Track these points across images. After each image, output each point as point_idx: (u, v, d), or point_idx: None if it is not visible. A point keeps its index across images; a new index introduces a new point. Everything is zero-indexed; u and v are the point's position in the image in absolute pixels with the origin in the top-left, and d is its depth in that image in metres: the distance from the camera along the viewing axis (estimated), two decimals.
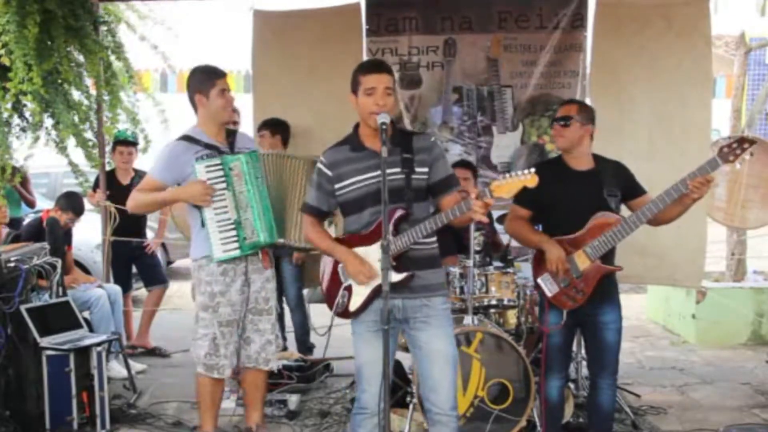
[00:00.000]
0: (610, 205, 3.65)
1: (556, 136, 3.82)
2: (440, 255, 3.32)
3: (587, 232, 3.64)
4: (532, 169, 2.98)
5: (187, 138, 3.99)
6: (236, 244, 3.93)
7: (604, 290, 3.71)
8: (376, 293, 3.16)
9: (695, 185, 3.37)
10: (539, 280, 3.79)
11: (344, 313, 3.27)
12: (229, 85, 4.07)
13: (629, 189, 3.75)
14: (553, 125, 3.84)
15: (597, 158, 3.84)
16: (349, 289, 3.25)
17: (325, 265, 3.39)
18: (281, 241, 4.04)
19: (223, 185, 3.91)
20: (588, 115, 3.80)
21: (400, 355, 4.32)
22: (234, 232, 3.93)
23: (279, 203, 4.05)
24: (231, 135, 4.09)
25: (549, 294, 3.75)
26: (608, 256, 3.68)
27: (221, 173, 3.91)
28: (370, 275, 3.15)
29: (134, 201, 4.02)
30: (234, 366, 4.09)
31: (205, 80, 3.98)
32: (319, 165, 3.28)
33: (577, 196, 3.59)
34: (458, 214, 3.04)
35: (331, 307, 3.33)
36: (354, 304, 3.23)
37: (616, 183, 3.69)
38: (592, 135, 3.82)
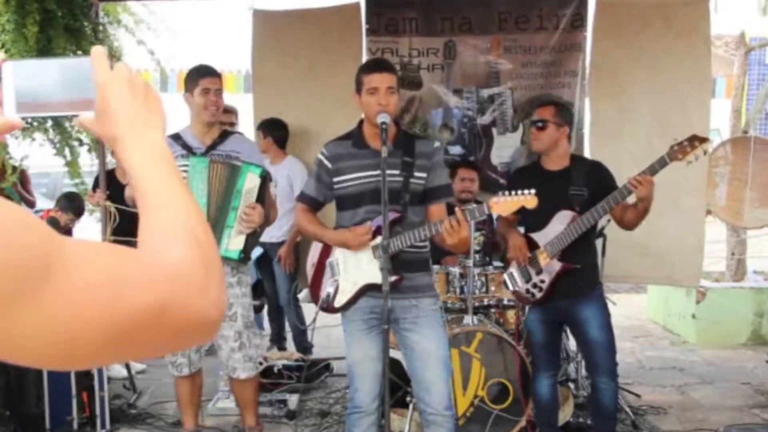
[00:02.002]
0: (572, 204, 3.65)
1: (533, 139, 3.81)
2: (440, 254, 3.33)
3: (549, 230, 3.68)
4: (533, 190, 3.01)
5: (172, 136, 3.98)
6: None
7: (577, 288, 3.71)
8: (362, 292, 3.19)
9: (632, 183, 3.42)
10: (504, 276, 3.89)
11: (329, 308, 3.30)
12: (219, 85, 3.99)
13: (601, 188, 3.63)
14: (530, 128, 3.84)
15: (574, 158, 3.87)
16: (335, 285, 3.26)
17: (312, 258, 3.40)
18: None
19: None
20: (564, 116, 3.80)
21: (400, 355, 4.32)
22: None
23: (219, 212, 3.85)
24: (224, 136, 4.03)
25: (511, 288, 3.86)
26: (576, 254, 3.66)
27: (185, 175, 3.82)
28: (366, 235, 3.15)
29: None
30: (198, 367, 4.11)
31: (192, 78, 4.00)
32: (320, 157, 3.29)
33: (544, 196, 3.59)
34: (440, 230, 3.04)
35: (315, 300, 3.35)
36: (339, 301, 3.25)
37: (585, 182, 3.68)
38: (570, 136, 3.84)
